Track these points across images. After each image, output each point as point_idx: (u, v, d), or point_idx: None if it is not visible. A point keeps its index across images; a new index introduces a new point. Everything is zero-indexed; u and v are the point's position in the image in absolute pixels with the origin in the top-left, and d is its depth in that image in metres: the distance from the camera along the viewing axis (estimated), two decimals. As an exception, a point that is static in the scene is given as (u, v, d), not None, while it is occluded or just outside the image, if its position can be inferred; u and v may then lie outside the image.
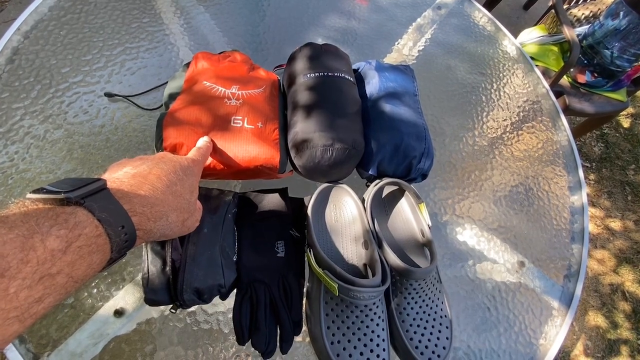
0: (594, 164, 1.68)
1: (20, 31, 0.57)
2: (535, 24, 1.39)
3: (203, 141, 0.41)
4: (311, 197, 0.48)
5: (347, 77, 0.50)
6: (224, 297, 0.42)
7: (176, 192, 0.32)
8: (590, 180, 1.63)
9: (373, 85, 0.53)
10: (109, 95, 0.54)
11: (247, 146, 0.43)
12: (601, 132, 1.77)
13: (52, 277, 0.21)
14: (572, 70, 1.21)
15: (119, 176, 0.29)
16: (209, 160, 0.42)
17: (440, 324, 0.43)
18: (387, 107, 0.51)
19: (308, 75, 0.48)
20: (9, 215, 0.21)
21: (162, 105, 0.49)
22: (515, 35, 1.34)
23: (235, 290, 0.43)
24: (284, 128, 0.48)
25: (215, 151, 0.42)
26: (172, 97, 0.47)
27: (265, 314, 0.41)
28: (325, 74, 0.48)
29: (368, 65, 0.56)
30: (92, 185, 0.25)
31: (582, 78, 1.20)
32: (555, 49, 1.24)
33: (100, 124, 0.53)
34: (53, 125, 0.51)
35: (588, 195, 1.59)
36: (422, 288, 0.44)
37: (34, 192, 0.24)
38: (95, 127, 0.52)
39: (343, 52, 0.54)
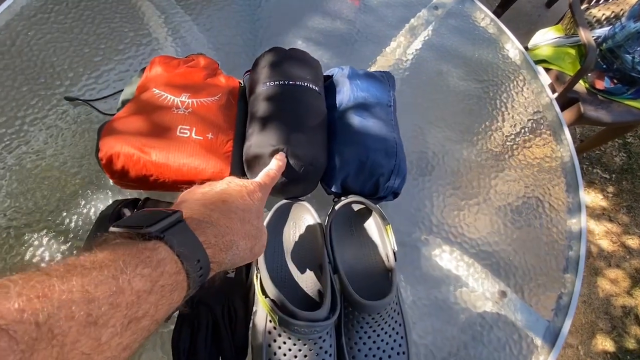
0: (613, 175, 1.56)
1: (-10, 31, 0.56)
2: (557, 23, 1.30)
3: (274, 163, 0.39)
4: (267, 215, 0.45)
5: (311, 86, 0.46)
6: (165, 320, 0.40)
7: (244, 218, 0.30)
8: (608, 192, 1.52)
9: (343, 94, 0.49)
10: (69, 99, 0.52)
11: (194, 158, 0.40)
12: (624, 141, 1.64)
13: (139, 321, 0.20)
14: (589, 75, 1.11)
15: (190, 205, 0.29)
16: (152, 171, 0.40)
17: (395, 364, 0.39)
18: (355, 119, 0.47)
19: (267, 83, 0.45)
20: (97, 254, 0.20)
21: (117, 110, 0.47)
22: (534, 35, 1.26)
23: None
24: (242, 139, 0.45)
25: (158, 163, 0.39)
26: (124, 103, 0.45)
27: (206, 340, 0.39)
28: (286, 82, 0.45)
29: (341, 72, 0.52)
30: (171, 217, 0.25)
31: (601, 84, 1.11)
32: (572, 51, 1.15)
33: (59, 129, 0.51)
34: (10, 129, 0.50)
35: (605, 209, 1.48)
36: (376, 322, 0.40)
37: (115, 225, 0.24)
38: (53, 131, 0.51)
39: (312, 58, 0.50)
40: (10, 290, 0.16)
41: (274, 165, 0.39)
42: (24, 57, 0.54)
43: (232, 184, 0.33)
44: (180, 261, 0.23)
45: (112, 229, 0.24)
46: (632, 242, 1.41)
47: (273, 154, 0.41)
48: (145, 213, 0.26)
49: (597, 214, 1.46)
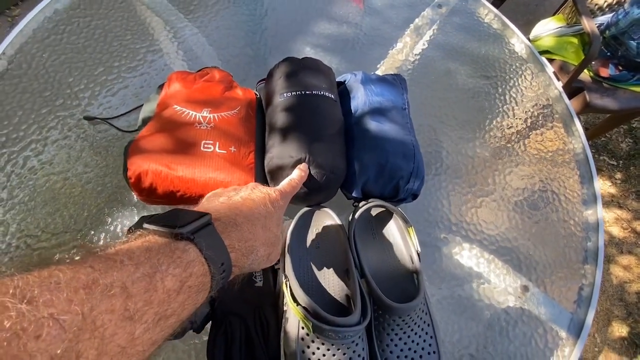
0: (621, 161, 1.56)
1: (5, 55, 0.57)
2: (555, 13, 1.30)
3: (296, 173, 0.40)
4: (291, 223, 0.46)
5: (327, 94, 0.47)
6: (197, 331, 0.41)
7: (265, 225, 0.31)
8: (616, 179, 1.52)
9: (358, 100, 0.50)
10: (88, 118, 0.53)
11: (219, 172, 0.41)
12: (629, 126, 1.64)
13: (167, 319, 0.21)
14: (593, 63, 1.11)
15: (217, 207, 0.29)
16: (179, 187, 0.41)
17: (427, 363, 0.40)
18: (372, 124, 0.47)
19: (284, 94, 0.45)
20: (134, 250, 0.21)
21: (138, 128, 0.48)
22: (533, 25, 1.25)
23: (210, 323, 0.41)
24: (262, 150, 0.46)
25: (185, 178, 0.40)
26: (145, 121, 0.45)
27: (241, 351, 0.40)
28: (303, 92, 0.45)
29: (354, 78, 0.53)
30: (201, 220, 0.25)
31: (605, 72, 1.11)
32: (575, 40, 1.15)
33: (80, 149, 0.52)
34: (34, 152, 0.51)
35: (614, 196, 1.48)
36: (406, 324, 0.41)
37: (149, 222, 0.24)
38: (75, 151, 0.52)
39: (325, 65, 0.51)
40: (60, 280, 0.16)
41: (296, 175, 0.40)
42: (40, 80, 0.55)
43: (255, 190, 0.34)
44: (207, 264, 0.24)
45: (146, 225, 0.24)
46: (643, 227, 1.41)
47: (295, 164, 0.42)
48: (177, 212, 0.26)
49: (606, 201, 1.46)
